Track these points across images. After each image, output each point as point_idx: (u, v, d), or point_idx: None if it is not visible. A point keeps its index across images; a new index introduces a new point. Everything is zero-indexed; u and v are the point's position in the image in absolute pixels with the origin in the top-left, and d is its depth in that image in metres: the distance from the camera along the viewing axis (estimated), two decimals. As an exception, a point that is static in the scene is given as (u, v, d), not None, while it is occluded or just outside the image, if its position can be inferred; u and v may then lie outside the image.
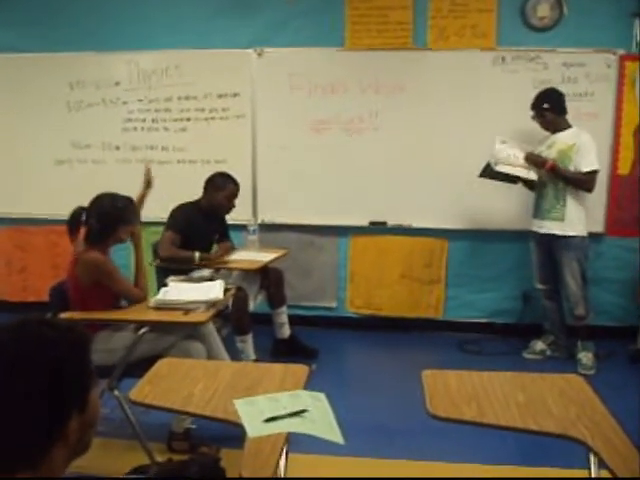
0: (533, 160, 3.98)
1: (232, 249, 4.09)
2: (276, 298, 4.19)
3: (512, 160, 3.98)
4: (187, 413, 1.94)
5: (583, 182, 3.91)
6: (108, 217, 2.88)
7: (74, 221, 2.90)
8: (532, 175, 4.00)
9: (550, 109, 3.98)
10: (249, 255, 4.08)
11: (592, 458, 1.68)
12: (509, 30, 4.44)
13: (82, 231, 2.93)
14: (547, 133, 4.10)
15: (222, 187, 4.00)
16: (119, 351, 2.72)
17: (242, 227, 4.46)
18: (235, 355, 3.52)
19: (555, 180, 3.96)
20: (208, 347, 2.94)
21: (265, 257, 4.02)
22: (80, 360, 1.07)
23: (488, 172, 4.05)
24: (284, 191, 4.75)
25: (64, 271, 2.97)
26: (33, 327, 1.04)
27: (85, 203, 2.94)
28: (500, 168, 3.98)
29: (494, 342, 4.51)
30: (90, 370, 1.09)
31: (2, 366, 0.98)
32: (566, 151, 3.94)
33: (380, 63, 4.57)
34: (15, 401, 0.96)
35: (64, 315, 2.69)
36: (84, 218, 2.90)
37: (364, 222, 4.72)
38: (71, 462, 1.06)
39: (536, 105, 4.02)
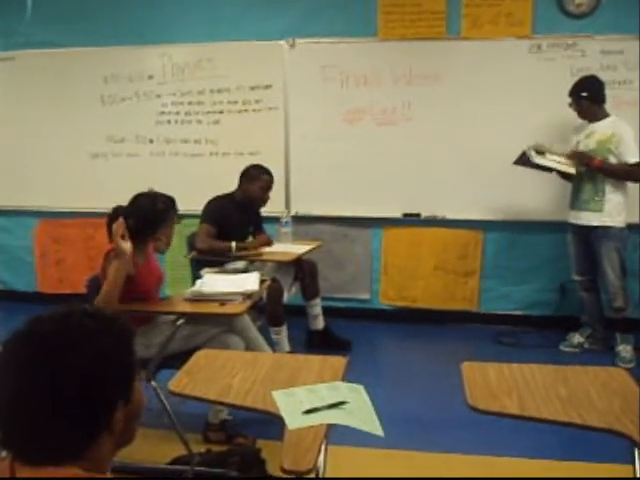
0: (579, 157, 3.90)
1: (270, 242, 4.07)
2: (310, 290, 4.20)
3: (551, 152, 3.92)
4: (226, 404, 1.94)
5: (631, 174, 3.84)
6: (147, 219, 2.80)
7: (113, 221, 2.74)
8: (571, 169, 3.92)
9: (588, 98, 3.90)
10: (283, 247, 4.08)
11: (637, 453, 1.64)
12: (545, 17, 4.35)
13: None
14: (582, 121, 4.02)
15: (256, 178, 4.01)
16: (157, 345, 2.72)
17: (275, 219, 4.45)
18: (269, 346, 3.52)
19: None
20: (247, 340, 2.94)
21: (299, 249, 4.03)
22: (124, 351, 1.07)
23: (524, 161, 3.98)
24: (317, 183, 4.73)
25: (99, 263, 2.97)
26: (77, 318, 1.04)
27: (120, 196, 2.87)
28: (538, 160, 3.90)
29: (530, 335, 4.45)
30: (134, 361, 1.09)
31: (47, 357, 0.98)
32: (605, 142, 3.86)
33: (413, 53, 4.53)
34: (61, 393, 0.96)
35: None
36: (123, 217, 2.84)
37: (398, 214, 4.69)
38: (116, 453, 1.06)
39: (574, 93, 3.95)
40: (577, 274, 4.19)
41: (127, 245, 2.58)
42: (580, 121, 4.04)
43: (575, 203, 4.06)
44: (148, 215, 2.81)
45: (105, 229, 2.87)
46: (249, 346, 2.94)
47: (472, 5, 4.42)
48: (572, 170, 3.92)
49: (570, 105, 3.98)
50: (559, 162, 3.92)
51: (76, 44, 4.87)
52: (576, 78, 4.01)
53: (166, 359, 2.73)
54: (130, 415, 1.06)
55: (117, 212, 2.79)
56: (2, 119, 5.14)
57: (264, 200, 4.08)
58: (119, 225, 2.58)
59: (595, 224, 3.92)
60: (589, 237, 4.00)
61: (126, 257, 2.58)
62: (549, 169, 4.00)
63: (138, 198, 2.86)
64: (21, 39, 4.95)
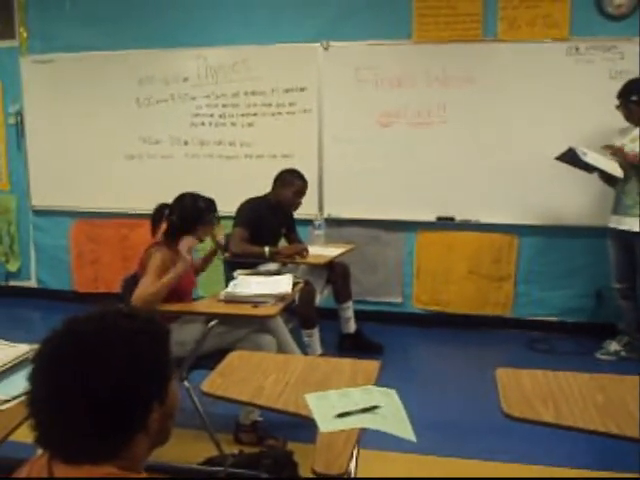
0: (620, 154, 3.80)
1: (304, 251, 3.93)
2: (342, 293, 4.18)
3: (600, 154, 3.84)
4: (259, 406, 1.94)
5: None
6: (189, 216, 2.96)
7: (157, 216, 2.97)
8: (618, 172, 3.83)
9: (637, 102, 3.81)
10: (315, 250, 4.07)
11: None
12: (583, 19, 4.29)
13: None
14: (627, 124, 3.93)
15: (290, 183, 4.02)
16: (189, 343, 2.75)
17: (308, 222, 4.46)
18: (301, 349, 3.52)
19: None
20: (278, 341, 2.95)
21: (332, 252, 4.02)
22: (160, 351, 1.08)
23: (568, 157, 3.88)
24: (350, 186, 4.72)
25: (134, 263, 3.03)
26: (113, 318, 1.05)
27: (155, 197, 3.03)
28: (589, 159, 3.80)
29: (565, 341, 4.39)
30: (169, 361, 1.09)
31: (83, 357, 0.99)
32: None
33: (448, 55, 4.49)
34: (97, 392, 0.97)
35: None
36: (167, 214, 2.98)
37: (431, 217, 4.66)
38: (152, 452, 1.07)
39: (623, 95, 3.86)
40: (617, 281, 4.09)
41: (189, 258, 2.82)
42: (625, 124, 3.95)
43: (618, 208, 3.96)
44: (189, 212, 2.98)
45: (140, 229, 2.95)
46: (280, 349, 2.95)
47: (509, 7, 4.38)
48: (619, 173, 3.83)
49: (617, 107, 3.89)
50: (609, 164, 3.84)
51: (113, 47, 4.95)
52: (615, 81, 3.94)
53: (199, 359, 2.76)
54: (165, 415, 1.06)
55: (161, 208, 2.98)
56: (40, 120, 5.24)
57: (296, 205, 4.09)
58: (190, 241, 2.86)
59: (638, 230, 3.83)
60: (631, 243, 3.91)
61: (185, 268, 2.80)
62: (592, 169, 3.92)
63: (182, 196, 3.03)
64: (60, 42, 5.05)
